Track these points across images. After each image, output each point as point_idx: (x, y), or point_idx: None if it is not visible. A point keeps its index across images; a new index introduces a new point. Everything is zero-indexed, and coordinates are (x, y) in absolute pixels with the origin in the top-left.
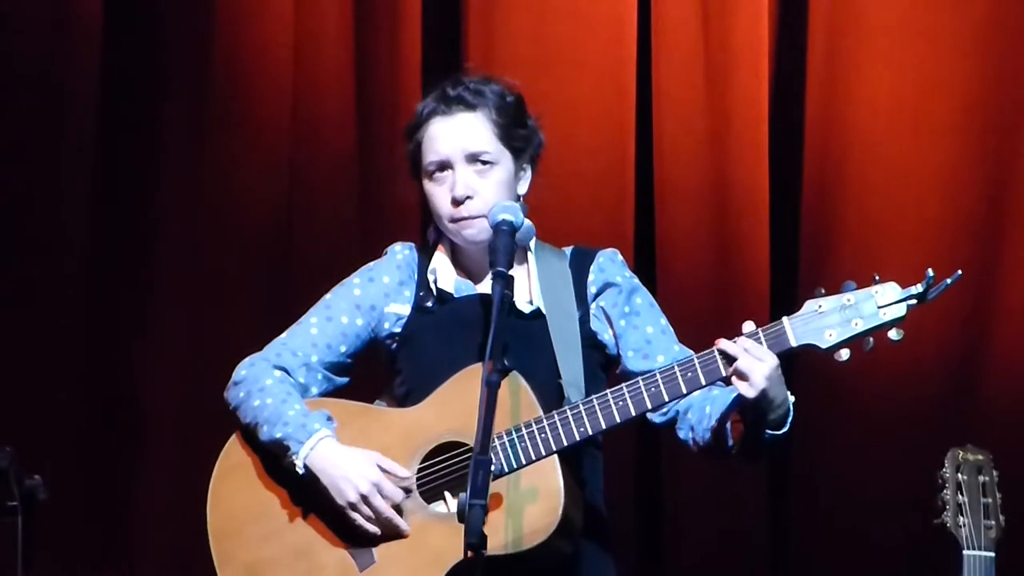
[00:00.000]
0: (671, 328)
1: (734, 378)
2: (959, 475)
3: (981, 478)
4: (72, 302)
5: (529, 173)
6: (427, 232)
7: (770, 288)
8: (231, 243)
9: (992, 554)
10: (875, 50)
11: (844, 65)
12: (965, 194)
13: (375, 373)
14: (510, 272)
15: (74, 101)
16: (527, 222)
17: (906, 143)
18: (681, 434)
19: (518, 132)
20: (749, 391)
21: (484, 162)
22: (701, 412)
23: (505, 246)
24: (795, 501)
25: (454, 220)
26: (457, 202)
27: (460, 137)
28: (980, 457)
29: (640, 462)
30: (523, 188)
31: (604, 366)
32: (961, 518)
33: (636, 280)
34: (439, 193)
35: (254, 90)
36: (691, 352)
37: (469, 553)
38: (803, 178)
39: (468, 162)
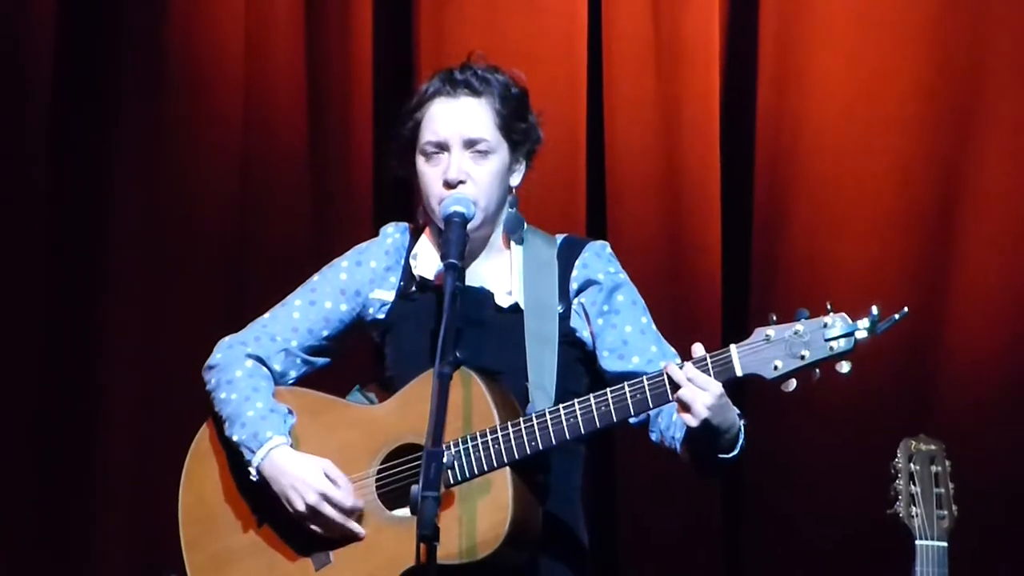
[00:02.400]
0: (653, 327)
1: (677, 407)
2: (912, 465)
3: (934, 468)
4: (28, 297)
5: (523, 167)
6: (417, 213)
7: (722, 280)
8: (185, 235)
9: (945, 544)
10: (826, 41)
11: (795, 56)
12: (917, 185)
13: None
14: (486, 259)
15: (26, 94)
16: (514, 212)
17: (857, 134)
18: (653, 437)
19: (518, 125)
20: (691, 420)
21: (481, 150)
22: (669, 419)
23: (457, 238)
24: (748, 492)
25: (443, 203)
26: (449, 185)
27: (461, 121)
28: (933, 447)
29: (593, 455)
30: (515, 180)
31: (583, 361)
32: (914, 508)
33: (622, 276)
34: (432, 174)
35: (206, 82)
36: (673, 352)
37: (421, 545)
38: (755, 169)
39: (465, 147)
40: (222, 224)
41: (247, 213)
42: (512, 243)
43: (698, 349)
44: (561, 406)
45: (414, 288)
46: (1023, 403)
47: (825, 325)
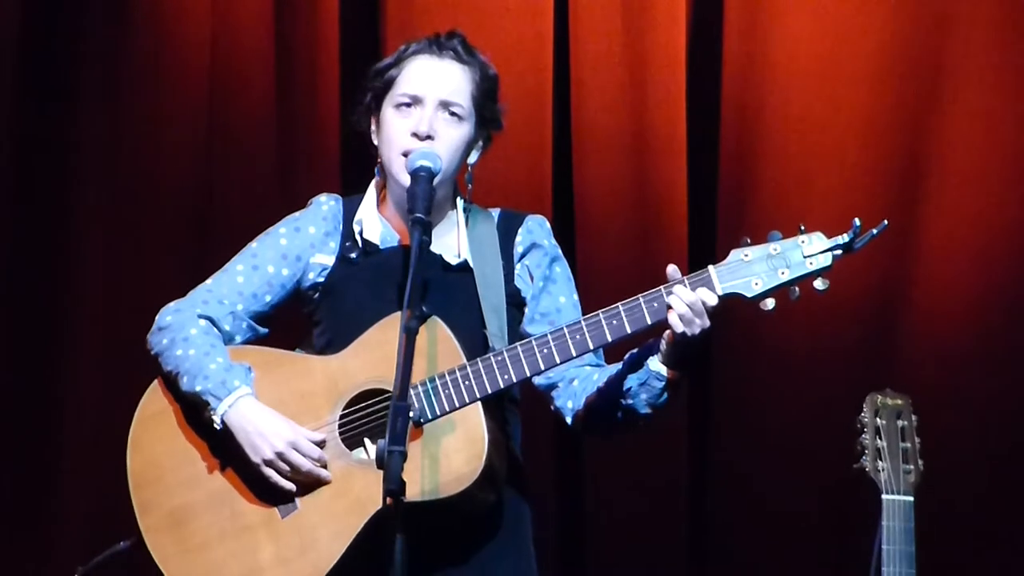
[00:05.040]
0: (580, 306)
1: (676, 321)
2: (878, 420)
3: (900, 423)
4: None
5: (481, 147)
6: (375, 168)
7: (688, 234)
8: (151, 191)
9: (911, 498)
10: None
11: (762, 11)
12: (883, 140)
13: (295, 322)
14: (434, 223)
15: None
16: (469, 191)
17: (824, 89)
18: (558, 402)
19: (490, 104)
20: (695, 329)
21: (453, 114)
22: (588, 380)
23: (424, 192)
24: (714, 447)
25: (405, 153)
26: (418, 137)
27: (442, 82)
28: (899, 402)
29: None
30: (473, 158)
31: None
32: (880, 463)
33: (559, 250)
34: (401, 125)
35: (173, 36)
36: None
37: (388, 499)
38: (721, 124)
39: (440, 107)
40: (188, 178)
41: (212, 173)
42: (456, 208)
43: (674, 271)
44: (532, 338)
45: (355, 253)
46: (989, 358)
47: (803, 243)
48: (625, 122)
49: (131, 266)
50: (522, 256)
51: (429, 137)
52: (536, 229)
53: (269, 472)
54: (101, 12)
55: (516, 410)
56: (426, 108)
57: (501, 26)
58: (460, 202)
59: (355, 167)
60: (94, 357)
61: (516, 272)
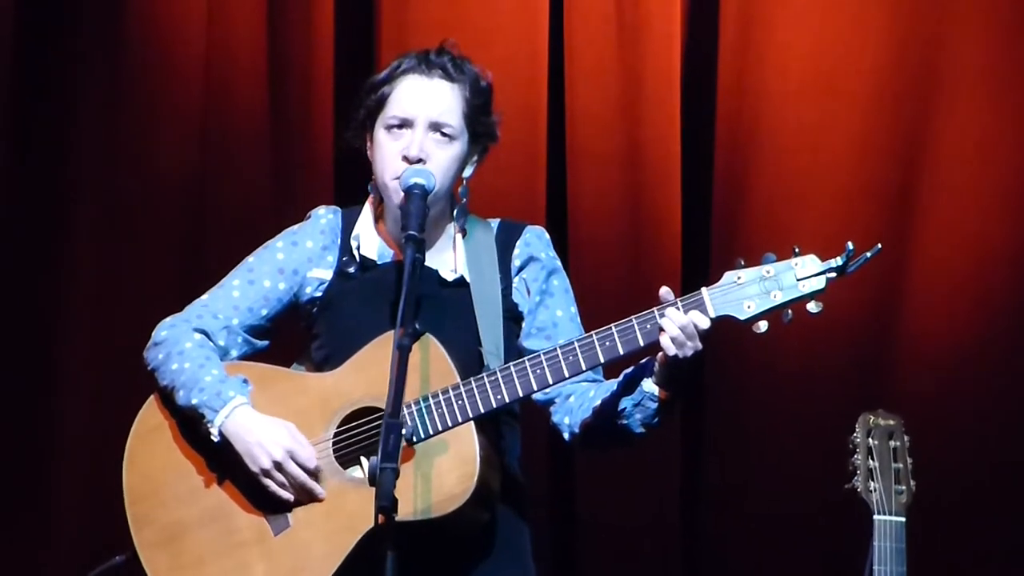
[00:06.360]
0: (579, 319)
1: (669, 344)
2: (870, 440)
3: (892, 443)
4: None
5: (476, 160)
6: (368, 185)
7: (682, 253)
8: (145, 205)
9: (903, 519)
10: (788, 15)
11: (756, 30)
12: (877, 160)
13: (294, 337)
14: (431, 238)
15: None
16: (464, 204)
17: (818, 109)
18: (555, 417)
19: (483, 119)
20: (687, 351)
21: (444, 135)
22: (584, 397)
23: (417, 209)
24: (707, 467)
25: (397, 177)
26: (409, 161)
27: (431, 103)
28: (891, 422)
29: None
30: (468, 172)
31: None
32: (872, 483)
33: (559, 262)
34: (392, 148)
35: (167, 51)
36: None
37: (380, 516)
38: (715, 143)
39: (429, 129)
40: (182, 192)
41: (206, 186)
42: (454, 223)
43: (667, 292)
44: (526, 358)
45: (353, 268)
46: (982, 378)
47: (796, 265)
48: (619, 138)
49: (125, 275)
50: (520, 270)
51: (420, 160)
52: (534, 241)
53: (266, 482)
54: (96, 21)
55: (516, 424)
56: (416, 130)
57: (496, 41)
58: (457, 216)
59: (349, 178)
60: (87, 366)
61: (514, 286)
